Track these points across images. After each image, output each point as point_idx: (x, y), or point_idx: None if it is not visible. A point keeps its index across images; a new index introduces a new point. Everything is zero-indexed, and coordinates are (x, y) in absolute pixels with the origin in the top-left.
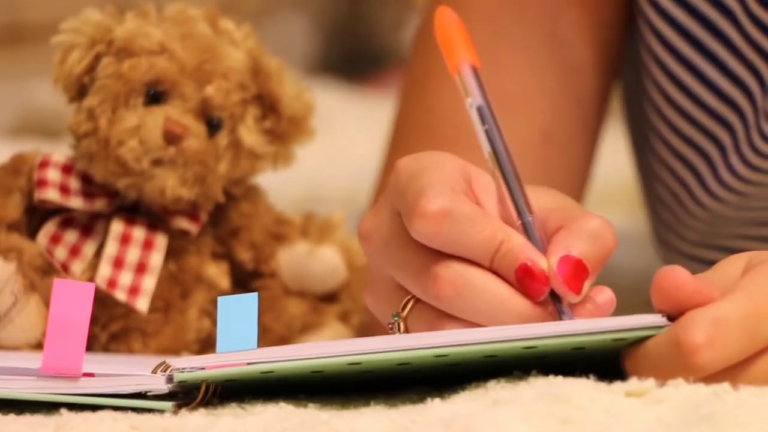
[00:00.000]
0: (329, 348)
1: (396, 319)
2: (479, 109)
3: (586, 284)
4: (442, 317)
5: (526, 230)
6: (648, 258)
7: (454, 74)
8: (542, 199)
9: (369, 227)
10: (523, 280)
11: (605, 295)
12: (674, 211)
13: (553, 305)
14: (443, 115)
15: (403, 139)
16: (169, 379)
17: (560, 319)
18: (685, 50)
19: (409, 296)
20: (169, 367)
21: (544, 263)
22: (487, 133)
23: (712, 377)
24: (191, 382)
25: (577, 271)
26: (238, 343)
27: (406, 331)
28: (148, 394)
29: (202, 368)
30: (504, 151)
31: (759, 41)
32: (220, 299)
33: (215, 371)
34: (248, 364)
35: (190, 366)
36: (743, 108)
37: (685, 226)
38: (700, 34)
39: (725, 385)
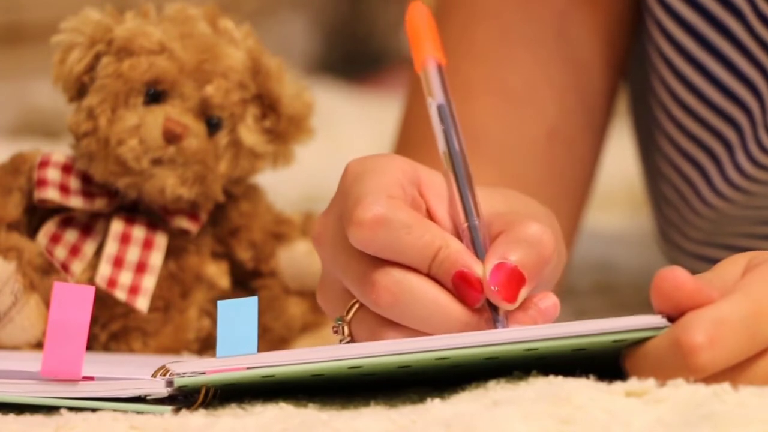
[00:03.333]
0: (330, 352)
1: (340, 323)
2: (439, 108)
3: (523, 291)
4: (383, 323)
5: (472, 234)
6: (649, 257)
7: (419, 70)
8: (496, 201)
9: (320, 229)
10: (460, 287)
11: (549, 301)
12: (680, 210)
13: (489, 312)
14: None
15: (408, 139)
16: (169, 383)
17: (494, 326)
18: (692, 48)
19: (355, 300)
20: (169, 371)
21: (480, 270)
22: (444, 132)
23: (712, 378)
24: (191, 386)
25: (512, 278)
26: (239, 347)
27: (351, 335)
28: (148, 397)
29: (203, 373)
30: (459, 152)
31: (766, 38)
32: (220, 303)
33: (215, 376)
34: (248, 368)
35: (191, 371)
36: (750, 106)
37: (690, 225)
38: (708, 32)
39: (725, 385)
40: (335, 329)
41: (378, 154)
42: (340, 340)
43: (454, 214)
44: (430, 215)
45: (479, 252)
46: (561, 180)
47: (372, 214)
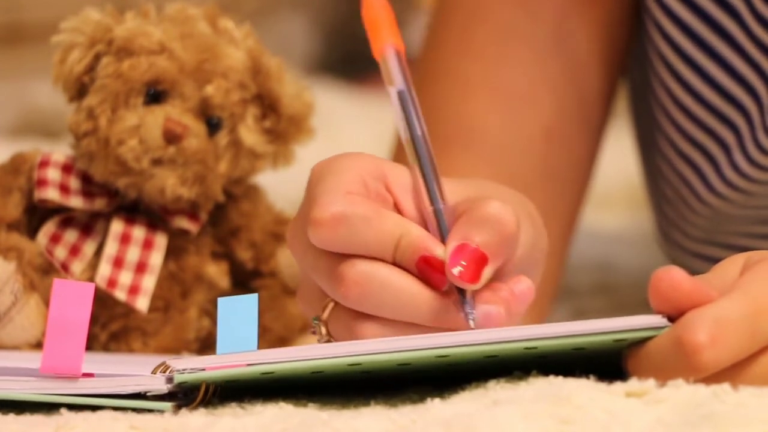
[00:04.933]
0: (329, 349)
1: (317, 322)
2: (400, 94)
3: (487, 270)
4: (357, 317)
5: (437, 218)
6: (649, 257)
7: (378, 57)
8: (468, 189)
9: (292, 232)
10: (424, 272)
11: (524, 284)
12: (678, 209)
13: (455, 294)
14: (447, 114)
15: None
16: (169, 380)
17: (462, 308)
18: (690, 50)
19: (329, 299)
20: (169, 367)
21: (442, 253)
22: (406, 119)
23: (712, 377)
24: (191, 382)
25: (473, 258)
26: (239, 344)
27: (328, 334)
28: (148, 394)
29: (203, 369)
30: (422, 138)
31: (764, 40)
32: (220, 300)
33: (215, 372)
34: (248, 365)
35: (191, 367)
36: (748, 107)
37: (689, 224)
38: (706, 34)
39: (725, 386)
40: (313, 330)
41: (343, 153)
42: (318, 340)
43: (420, 203)
44: (397, 209)
45: (444, 235)
46: (557, 178)
47: (330, 213)
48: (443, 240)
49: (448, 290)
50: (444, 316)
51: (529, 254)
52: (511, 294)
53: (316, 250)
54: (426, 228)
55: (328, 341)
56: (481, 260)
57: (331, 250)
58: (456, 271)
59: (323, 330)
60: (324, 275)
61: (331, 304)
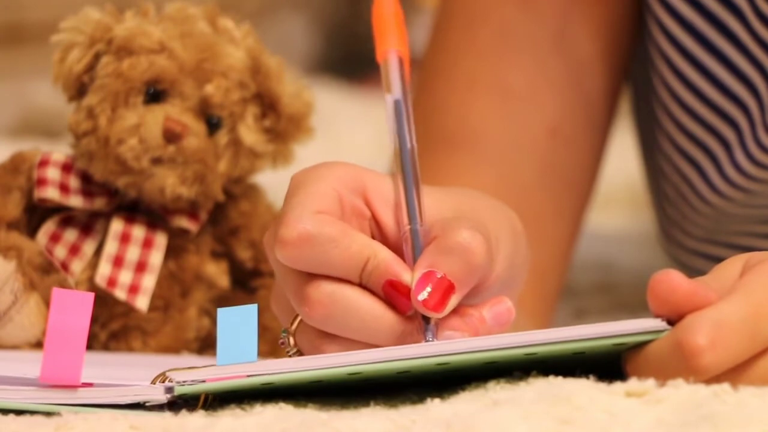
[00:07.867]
0: (329, 360)
1: (285, 334)
2: (396, 104)
3: (452, 300)
4: (322, 336)
5: (412, 238)
6: (649, 257)
7: (380, 60)
8: (449, 203)
9: (269, 239)
10: (390, 296)
11: (503, 306)
12: (680, 208)
13: (419, 320)
14: (449, 114)
15: None
16: (168, 390)
17: (424, 335)
18: (691, 47)
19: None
20: (167, 378)
21: (409, 278)
22: (398, 130)
23: (712, 380)
24: (191, 393)
25: (439, 287)
26: (239, 355)
27: (296, 346)
28: (147, 404)
29: (203, 381)
30: (410, 152)
31: (766, 38)
32: (220, 311)
33: (215, 384)
34: (248, 376)
35: (191, 379)
36: (748, 105)
37: (690, 223)
38: (708, 31)
39: (725, 386)
40: (282, 341)
41: (323, 163)
42: (287, 352)
43: (401, 217)
44: (375, 221)
45: (417, 257)
46: (562, 178)
47: (296, 232)
48: (416, 260)
49: (413, 315)
50: (406, 341)
51: (508, 269)
52: (480, 321)
53: (285, 265)
54: (401, 244)
55: (296, 353)
56: (448, 289)
57: (298, 269)
58: (421, 298)
59: (291, 341)
60: (291, 292)
61: (299, 318)
